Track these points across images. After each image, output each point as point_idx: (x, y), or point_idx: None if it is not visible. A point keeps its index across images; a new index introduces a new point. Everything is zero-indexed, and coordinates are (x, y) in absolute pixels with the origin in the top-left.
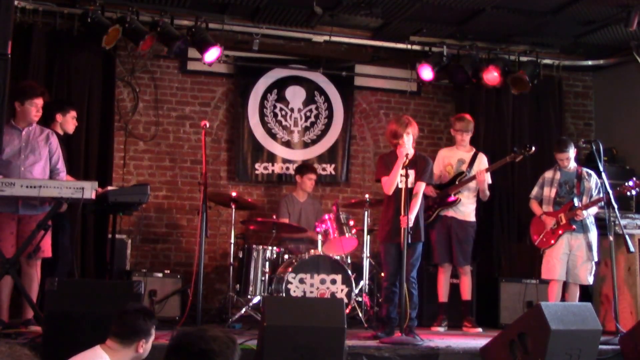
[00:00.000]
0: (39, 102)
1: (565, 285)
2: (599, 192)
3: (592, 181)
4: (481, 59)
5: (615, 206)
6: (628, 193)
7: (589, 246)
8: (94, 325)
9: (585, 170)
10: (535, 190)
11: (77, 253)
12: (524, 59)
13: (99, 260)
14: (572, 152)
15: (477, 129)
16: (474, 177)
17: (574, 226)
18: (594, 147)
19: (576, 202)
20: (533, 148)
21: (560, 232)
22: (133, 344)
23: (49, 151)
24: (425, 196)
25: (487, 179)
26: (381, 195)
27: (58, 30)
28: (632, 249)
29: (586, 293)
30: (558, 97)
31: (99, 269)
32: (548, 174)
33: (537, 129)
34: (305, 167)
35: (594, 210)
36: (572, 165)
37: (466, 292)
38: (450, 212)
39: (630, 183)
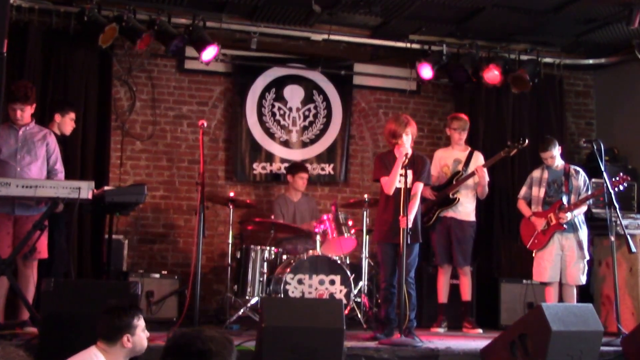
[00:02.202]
0: (17, 106)
1: (561, 287)
2: (587, 190)
3: (581, 179)
4: (481, 58)
5: (617, 206)
6: (616, 188)
7: (580, 245)
8: (90, 326)
9: (573, 167)
10: (523, 190)
11: (73, 254)
12: (524, 57)
13: (96, 260)
14: (555, 150)
15: (477, 128)
16: (471, 175)
17: (565, 226)
18: (595, 147)
19: (565, 200)
20: (527, 141)
21: (551, 232)
22: (118, 341)
23: (46, 151)
24: (423, 199)
25: (485, 175)
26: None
27: (54, 29)
28: (633, 249)
29: (587, 294)
30: (559, 96)
31: (95, 269)
32: (536, 173)
33: (537, 129)
34: (296, 167)
35: (582, 209)
36: (559, 163)
37: (466, 293)
38: (449, 213)
39: (617, 178)
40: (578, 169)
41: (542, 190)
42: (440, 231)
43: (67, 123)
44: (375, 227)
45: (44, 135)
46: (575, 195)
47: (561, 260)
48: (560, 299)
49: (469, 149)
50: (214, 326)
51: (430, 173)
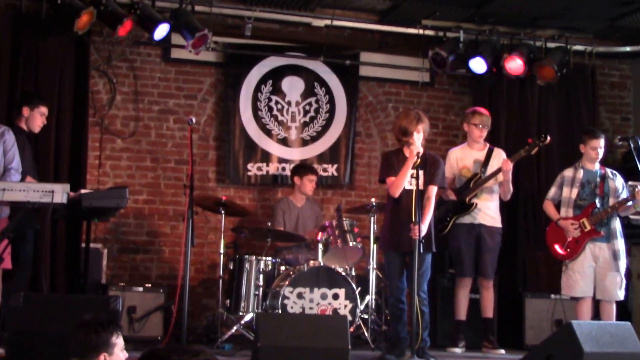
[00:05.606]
0: None
1: (598, 304)
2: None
3: (618, 181)
4: (503, 46)
5: None
6: None
7: (615, 255)
8: (64, 346)
9: (609, 170)
10: (552, 191)
11: (46, 264)
12: (551, 45)
13: (71, 272)
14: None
15: (498, 125)
16: (496, 172)
17: (602, 232)
18: (632, 145)
19: (598, 204)
20: (548, 138)
21: (584, 240)
22: None
23: (3, 150)
24: (440, 202)
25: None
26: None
27: (24, 13)
28: None
29: (625, 311)
30: (591, 88)
31: (70, 282)
32: (567, 173)
33: (566, 125)
34: (304, 168)
35: (624, 212)
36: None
37: (488, 309)
38: (477, 219)
39: None
40: (614, 171)
41: (574, 192)
42: (466, 240)
43: (36, 118)
44: (382, 232)
45: (2, 133)
46: (613, 198)
47: (594, 272)
48: (597, 316)
49: (488, 146)
50: (204, 346)
51: (445, 175)
